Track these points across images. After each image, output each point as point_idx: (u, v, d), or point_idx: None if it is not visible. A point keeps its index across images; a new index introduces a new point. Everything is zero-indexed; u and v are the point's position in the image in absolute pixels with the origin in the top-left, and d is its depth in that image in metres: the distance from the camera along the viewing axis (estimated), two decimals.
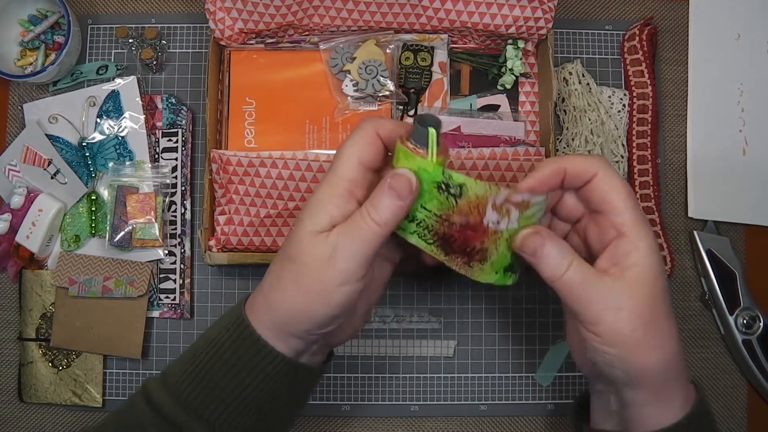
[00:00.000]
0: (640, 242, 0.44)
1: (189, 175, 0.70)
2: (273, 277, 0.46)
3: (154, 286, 0.68)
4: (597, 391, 0.49)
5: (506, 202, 0.44)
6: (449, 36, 0.69)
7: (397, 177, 0.43)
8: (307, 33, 0.68)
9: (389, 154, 0.47)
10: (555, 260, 0.44)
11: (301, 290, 0.44)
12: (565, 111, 0.71)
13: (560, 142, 0.70)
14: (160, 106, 0.70)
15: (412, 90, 0.69)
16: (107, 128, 0.69)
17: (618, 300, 0.43)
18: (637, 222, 0.44)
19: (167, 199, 0.69)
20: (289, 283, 0.45)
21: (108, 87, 0.70)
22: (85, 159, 0.69)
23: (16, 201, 0.67)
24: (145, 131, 0.69)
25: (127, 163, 0.69)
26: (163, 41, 0.72)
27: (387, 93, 0.67)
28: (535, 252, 0.44)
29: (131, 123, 0.69)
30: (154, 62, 0.71)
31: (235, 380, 0.47)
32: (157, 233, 0.67)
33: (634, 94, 0.71)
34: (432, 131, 0.43)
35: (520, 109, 0.70)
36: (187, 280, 0.69)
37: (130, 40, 0.71)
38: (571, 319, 0.49)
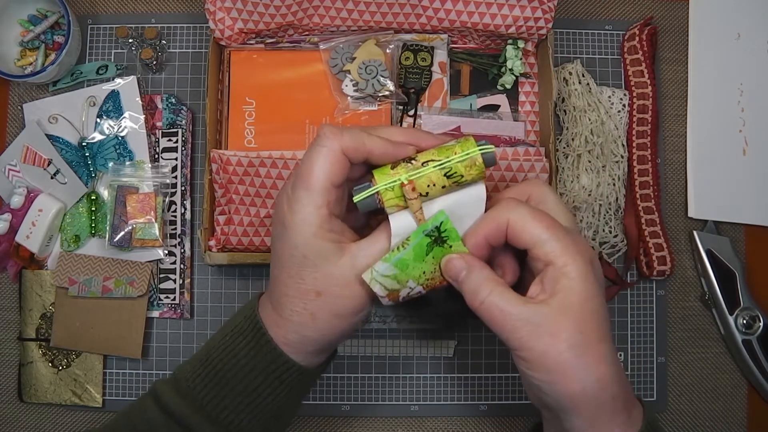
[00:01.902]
0: (568, 267, 0.42)
1: (189, 175, 0.70)
2: (304, 315, 0.46)
3: (154, 286, 0.68)
4: (544, 418, 0.48)
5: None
6: (449, 36, 0.69)
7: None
8: (307, 33, 0.68)
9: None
10: (475, 286, 0.44)
11: (342, 317, 0.46)
12: (565, 111, 0.71)
13: (560, 142, 0.70)
14: (160, 106, 0.70)
15: (412, 90, 0.69)
16: (107, 128, 0.69)
17: (543, 325, 0.42)
18: (564, 248, 0.43)
19: (167, 199, 0.69)
20: (328, 317, 0.46)
21: (108, 87, 0.70)
22: (85, 159, 0.69)
23: (16, 201, 0.67)
24: (145, 131, 0.69)
25: (127, 163, 0.69)
26: (163, 41, 0.72)
27: (387, 93, 0.67)
28: (458, 277, 0.45)
29: (131, 123, 0.69)
30: (154, 62, 0.71)
31: (251, 386, 0.47)
32: (157, 233, 0.67)
33: (634, 94, 0.71)
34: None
35: (520, 109, 0.70)
36: (187, 280, 0.69)
37: (130, 40, 0.71)
38: None
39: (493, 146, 0.45)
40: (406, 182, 0.44)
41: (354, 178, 0.48)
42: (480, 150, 0.44)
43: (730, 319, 0.68)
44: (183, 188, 0.69)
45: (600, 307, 0.43)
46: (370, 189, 0.45)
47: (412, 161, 0.45)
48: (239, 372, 0.47)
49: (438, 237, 0.45)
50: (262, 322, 0.47)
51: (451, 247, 0.45)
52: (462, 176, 0.44)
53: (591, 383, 0.42)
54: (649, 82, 0.71)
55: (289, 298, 0.46)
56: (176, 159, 0.69)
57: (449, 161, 0.44)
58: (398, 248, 0.45)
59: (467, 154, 0.44)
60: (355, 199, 0.45)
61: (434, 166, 0.44)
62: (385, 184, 0.44)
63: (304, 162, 0.45)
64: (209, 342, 0.50)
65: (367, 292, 0.46)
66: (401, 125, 0.69)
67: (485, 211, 0.46)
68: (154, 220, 0.67)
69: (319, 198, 0.44)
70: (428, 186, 0.44)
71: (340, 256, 0.45)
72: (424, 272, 0.45)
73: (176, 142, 0.70)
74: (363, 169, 0.48)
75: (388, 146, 0.46)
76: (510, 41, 0.68)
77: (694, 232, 0.70)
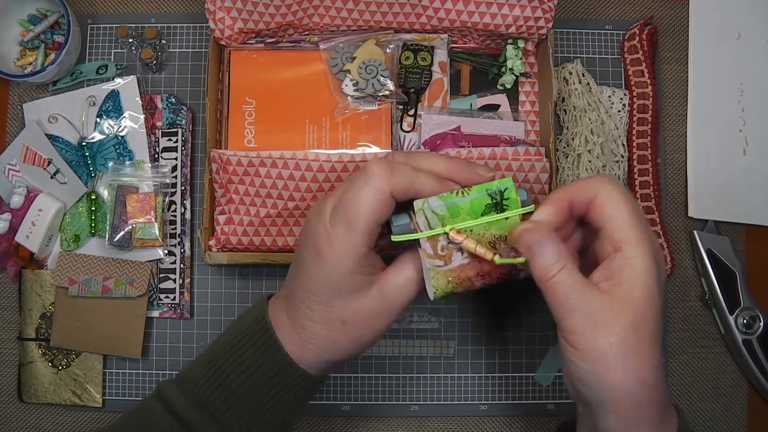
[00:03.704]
0: (637, 260, 0.42)
1: (189, 175, 0.70)
2: (328, 342, 0.47)
3: (153, 286, 0.68)
4: (579, 414, 0.48)
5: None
6: (449, 36, 0.69)
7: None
8: (307, 33, 0.68)
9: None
10: (548, 260, 0.43)
11: (362, 344, 0.48)
12: (565, 111, 0.71)
13: (560, 141, 0.70)
14: (160, 105, 0.70)
15: (412, 90, 0.69)
16: (107, 128, 0.69)
17: (601, 313, 0.41)
18: (638, 240, 0.42)
19: (167, 199, 0.69)
20: (349, 344, 0.47)
21: (108, 87, 0.70)
22: (84, 159, 0.69)
23: (16, 201, 0.67)
24: (144, 131, 0.69)
25: (127, 162, 0.69)
26: (163, 41, 0.72)
27: (387, 93, 0.67)
28: (531, 248, 0.43)
29: (131, 123, 0.69)
30: (154, 62, 0.71)
31: (255, 387, 0.47)
32: (157, 233, 0.67)
33: (634, 93, 0.71)
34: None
35: (520, 108, 0.70)
36: (187, 280, 0.69)
37: (130, 40, 0.71)
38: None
39: (533, 206, 0.45)
40: (450, 231, 0.44)
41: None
42: (523, 210, 0.45)
43: (731, 319, 0.68)
44: (183, 188, 0.69)
45: (659, 309, 0.42)
46: (413, 235, 0.45)
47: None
48: (244, 373, 0.47)
49: (499, 202, 0.44)
50: (272, 326, 0.47)
51: (507, 219, 0.45)
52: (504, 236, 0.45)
53: (633, 383, 0.41)
54: (649, 81, 0.71)
55: (314, 324, 0.47)
56: (176, 159, 0.69)
57: (491, 221, 0.45)
58: (457, 193, 0.45)
59: (506, 218, 0.45)
60: (394, 238, 0.45)
61: (475, 224, 0.45)
62: (429, 233, 0.44)
63: (349, 196, 0.44)
64: (216, 342, 0.50)
65: (387, 323, 0.47)
66: (401, 125, 0.69)
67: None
68: (154, 219, 0.67)
69: (362, 238, 0.44)
70: (468, 230, 0.45)
71: (371, 287, 0.46)
72: (471, 230, 0.45)
73: (176, 141, 0.69)
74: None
75: (435, 186, 0.45)
76: (510, 41, 0.68)
77: (694, 232, 0.70)
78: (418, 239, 0.45)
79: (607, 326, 0.41)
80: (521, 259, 0.44)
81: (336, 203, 0.45)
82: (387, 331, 0.48)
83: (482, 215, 0.45)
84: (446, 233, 0.44)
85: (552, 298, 0.43)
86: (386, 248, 0.49)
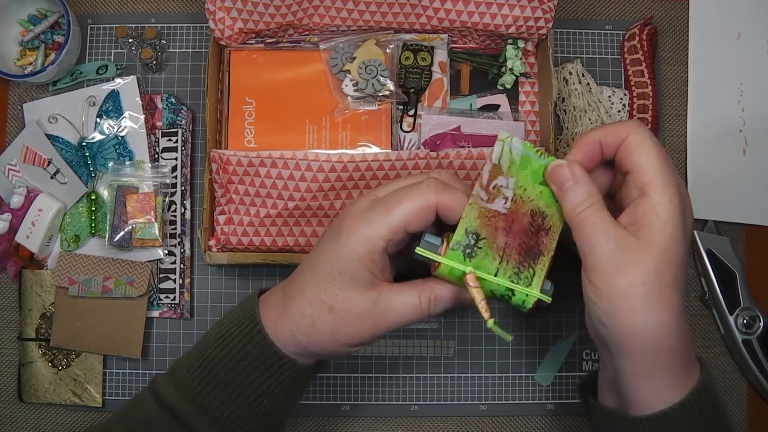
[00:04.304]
0: (661, 205, 0.42)
1: (189, 175, 0.70)
2: (306, 319, 0.46)
3: (153, 286, 0.68)
4: (601, 359, 0.48)
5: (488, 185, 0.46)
6: (449, 36, 0.69)
7: (473, 291, 0.45)
8: (307, 33, 0.68)
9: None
10: (579, 197, 0.44)
11: (336, 343, 0.46)
12: (565, 111, 0.71)
13: (560, 142, 0.70)
14: (160, 105, 0.70)
15: (412, 90, 0.69)
16: (107, 128, 0.69)
17: (624, 253, 0.41)
18: (664, 185, 0.42)
19: (167, 199, 0.69)
20: (325, 335, 0.46)
21: (108, 87, 0.70)
22: (84, 159, 0.69)
23: (16, 201, 0.67)
24: (144, 131, 0.69)
25: (127, 162, 0.69)
26: (163, 41, 0.72)
27: (387, 93, 0.67)
28: (563, 184, 0.44)
29: (131, 123, 0.69)
30: (154, 62, 0.71)
31: (242, 377, 0.47)
32: (157, 233, 0.67)
33: (634, 94, 0.71)
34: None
35: (520, 108, 0.70)
36: (187, 280, 0.69)
37: (130, 40, 0.71)
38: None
39: (551, 287, 0.47)
40: (468, 273, 0.44)
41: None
42: (541, 296, 0.46)
43: (730, 319, 0.68)
44: (183, 188, 0.69)
45: (682, 255, 0.42)
46: (436, 256, 0.45)
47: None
48: (230, 362, 0.47)
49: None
50: (259, 316, 0.47)
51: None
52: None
53: (651, 325, 0.41)
54: (649, 82, 0.71)
55: (303, 298, 0.46)
56: (176, 159, 0.69)
57: (514, 286, 0.45)
58: (537, 150, 0.46)
59: (527, 295, 0.46)
60: (418, 251, 0.45)
61: (501, 282, 0.45)
62: (452, 265, 0.44)
63: (398, 194, 0.45)
64: (206, 334, 0.50)
65: (371, 334, 0.46)
66: (401, 125, 0.69)
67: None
68: (154, 220, 0.67)
69: (385, 231, 0.44)
70: (489, 290, 0.46)
71: (370, 288, 0.45)
72: (524, 189, 0.46)
73: (176, 141, 0.70)
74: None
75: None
76: (510, 41, 0.68)
77: (695, 232, 0.70)
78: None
79: (629, 266, 0.41)
80: (508, 337, 0.45)
81: (382, 196, 0.46)
82: (364, 343, 0.47)
83: (540, 184, 0.46)
84: (464, 273, 0.44)
85: (579, 233, 0.43)
86: (401, 268, 0.49)
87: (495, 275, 0.45)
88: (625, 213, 0.44)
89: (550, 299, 0.46)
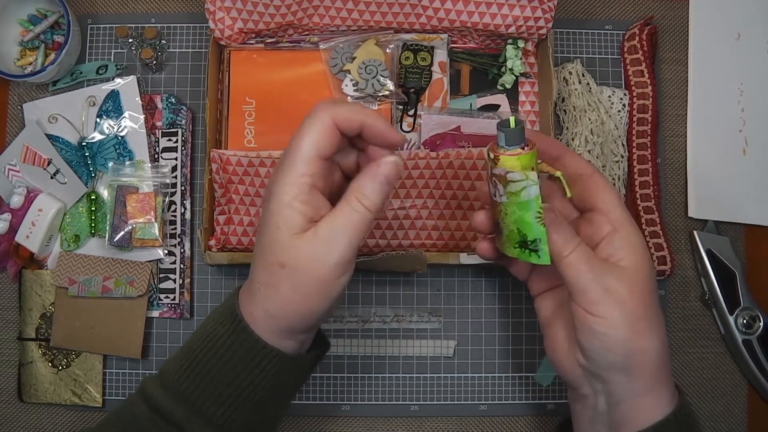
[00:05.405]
0: (633, 238, 0.47)
1: (189, 175, 0.70)
2: (267, 288, 0.45)
3: (153, 286, 0.68)
4: (582, 396, 0.50)
5: (492, 175, 0.47)
6: (449, 36, 0.69)
7: (388, 165, 0.45)
8: (307, 33, 0.68)
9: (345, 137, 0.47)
10: (566, 238, 0.46)
11: (303, 294, 0.45)
12: (565, 111, 0.71)
13: (560, 141, 0.70)
14: (159, 105, 0.70)
15: (412, 90, 0.69)
16: (107, 128, 0.69)
17: (617, 283, 0.45)
18: (629, 220, 0.48)
19: (167, 199, 0.69)
20: (288, 291, 0.45)
21: (108, 87, 0.70)
22: (84, 159, 0.69)
23: (16, 201, 0.67)
24: (144, 131, 0.69)
25: (127, 162, 0.69)
26: (163, 41, 0.72)
27: (387, 93, 0.67)
28: (550, 227, 0.46)
29: (131, 123, 0.69)
30: (154, 62, 0.71)
31: (231, 374, 0.47)
32: (157, 233, 0.67)
33: (634, 94, 0.71)
34: (520, 123, 0.46)
35: (520, 108, 0.70)
36: (187, 280, 0.69)
37: (130, 40, 0.71)
38: (551, 321, 0.51)
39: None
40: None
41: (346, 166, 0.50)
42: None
43: (730, 319, 0.68)
44: (183, 188, 0.69)
45: (655, 283, 0.47)
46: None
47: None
48: (219, 361, 0.47)
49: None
50: (239, 309, 0.47)
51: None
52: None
53: (659, 341, 0.46)
54: (649, 82, 0.71)
55: (258, 272, 0.46)
56: (176, 159, 0.69)
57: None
58: (538, 212, 0.47)
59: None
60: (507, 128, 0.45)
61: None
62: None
63: (294, 134, 0.46)
64: (193, 334, 0.50)
65: (331, 267, 0.44)
66: (401, 125, 0.69)
67: None
68: (154, 220, 0.67)
69: (302, 167, 0.44)
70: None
71: (307, 228, 0.44)
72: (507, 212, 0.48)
73: (176, 141, 0.70)
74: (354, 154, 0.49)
75: (380, 120, 0.46)
76: (510, 41, 0.68)
77: (694, 232, 0.70)
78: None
79: (628, 293, 0.45)
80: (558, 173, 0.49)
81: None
82: (334, 282, 0.45)
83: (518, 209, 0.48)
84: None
85: (572, 274, 0.46)
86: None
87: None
88: (601, 247, 0.47)
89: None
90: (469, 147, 0.66)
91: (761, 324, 0.67)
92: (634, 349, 0.45)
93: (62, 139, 0.69)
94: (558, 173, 0.49)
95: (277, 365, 0.47)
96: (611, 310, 0.44)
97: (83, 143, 0.69)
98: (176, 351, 0.50)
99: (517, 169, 0.45)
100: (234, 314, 0.47)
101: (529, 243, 0.47)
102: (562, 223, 0.47)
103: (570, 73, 0.70)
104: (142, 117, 0.69)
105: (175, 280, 0.69)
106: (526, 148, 0.45)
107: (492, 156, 0.46)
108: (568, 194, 0.49)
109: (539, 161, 0.48)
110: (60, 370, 0.68)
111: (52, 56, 0.70)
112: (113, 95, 0.70)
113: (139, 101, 0.70)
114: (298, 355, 0.49)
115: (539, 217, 0.46)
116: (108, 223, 0.67)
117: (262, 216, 0.47)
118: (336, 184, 0.49)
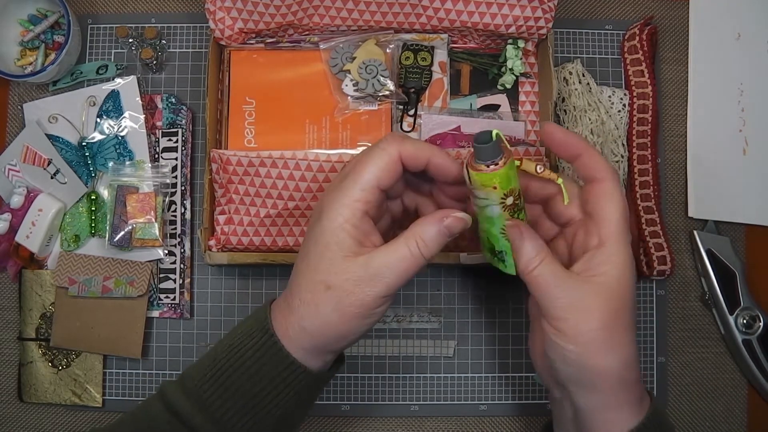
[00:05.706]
0: (616, 256, 0.46)
1: (189, 175, 0.70)
2: (309, 305, 0.46)
3: (154, 286, 0.68)
4: (554, 399, 0.51)
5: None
6: (449, 36, 0.69)
7: (456, 220, 0.46)
8: (307, 33, 0.68)
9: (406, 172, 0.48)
10: (529, 254, 0.45)
11: (343, 315, 0.46)
12: (565, 111, 0.71)
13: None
14: (160, 105, 0.70)
15: (412, 90, 0.69)
16: (107, 128, 0.69)
17: (583, 299, 0.45)
18: (620, 237, 0.46)
19: (167, 199, 0.69)
20: (329, 311, 0.46)
21: (108, 87, 0.70)
22: (85, 159, 0.69)
23: (16, 201, 0.67)
24: (145, 131, 0.69)
25: (127, 162, 0.69)
26: (163, 41, 0.72)
27: (387, 93, 0.67)
28: (513, 243, 0.47)
29: (131, 123, 0.69)
30: (154, 62, 0.71)
31: (256, 388, 0.47)
32: (157, 233, 0.67)
33: (634, 93, 0.71)
34: (498, 134, 0.45)
35: (520, 108, 0.70)
36: (187, 280, 0.69)
37: (130, 40, 0.71)
38: (534, 320, 0.52)
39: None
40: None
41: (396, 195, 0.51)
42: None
43: (730, 319, 0.68)
44: (183, 188, 0.69)
45: (633, 301, 0.46)
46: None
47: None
48: (245, 373, 0.47)
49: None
50: (272, 325, 0.47)
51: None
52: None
53: (617, 362, 0.45)
54: (649, 82, 0.71)
55: (300, 288, 0.47)
56: (176, 159, 0.69)
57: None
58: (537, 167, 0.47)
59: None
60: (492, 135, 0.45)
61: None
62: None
63: (362, 157, 0.47)
64: (218, 343, 0.50)
65: (373, 298, 0.45)
66: (401, 125, 0.69)
67: None
68: (154, 219, 0.67)
69: (360, 193, 0.45)
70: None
71: (359, 254, 0.45)
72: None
73: (176, 141, 0.70)
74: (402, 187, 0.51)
75: (446, 157, 0.47)
76: (510, 41, 0.68)
77: (694, 232, 0.70)
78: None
79: (589, 311, 0.44)
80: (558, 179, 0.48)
81: (349, 167, 0.48)
82: (372, 311, 0.46)
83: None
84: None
85: (535, 289, 0.46)
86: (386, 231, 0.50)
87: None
88: (581, 261, 0.47)
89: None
90: (469, 147, 0.66)
91: (761, 324, 0.67)
92: (589, 366, 0.45)
93: (62, 139, 0.69)
94: (559, 180, 0.48)
95: (302, 382, 0.48)
96: (569, 327, 0.44)
97: (83, 143, 0.69)
98: (199, 359, 0.50)
99: (478, 187, 0.45)
100: (265, 328, 0.47)
101: (496, 252, 0.49)
102: (531, 236, 0.46)
103: (570, 73, 0.70)
104: (142, 117, 0.69)
105: (175, 280, 0.69)
106: (500, 163, 0.44)
107: (465, 166, 0.46)
108: (566, 201, 0.49)
109: (543, 166, 0.47)
110: (60, 370, 0.68)
111: (52, 56, 0.70)
112: (113, 95, 0.70)
113: (139, 101, 0.70)
114: (323, 372, 0.49)
115: (503, 233, 0.47)
116: (108, 223, 0.67)
117: (310, 230, 0.47)
118: (383, 211, 0.51)
